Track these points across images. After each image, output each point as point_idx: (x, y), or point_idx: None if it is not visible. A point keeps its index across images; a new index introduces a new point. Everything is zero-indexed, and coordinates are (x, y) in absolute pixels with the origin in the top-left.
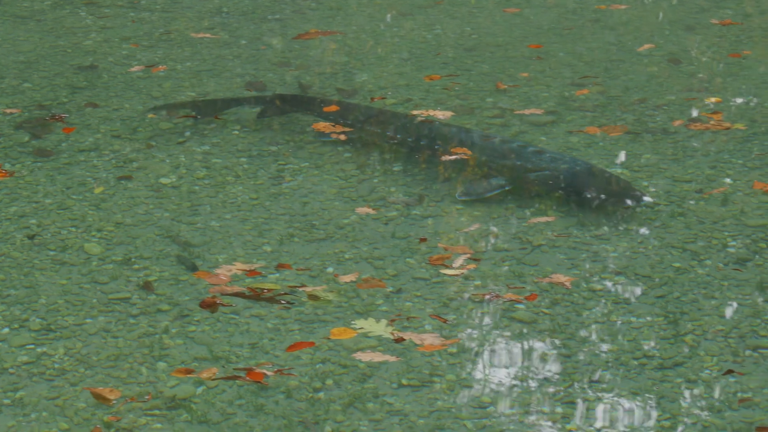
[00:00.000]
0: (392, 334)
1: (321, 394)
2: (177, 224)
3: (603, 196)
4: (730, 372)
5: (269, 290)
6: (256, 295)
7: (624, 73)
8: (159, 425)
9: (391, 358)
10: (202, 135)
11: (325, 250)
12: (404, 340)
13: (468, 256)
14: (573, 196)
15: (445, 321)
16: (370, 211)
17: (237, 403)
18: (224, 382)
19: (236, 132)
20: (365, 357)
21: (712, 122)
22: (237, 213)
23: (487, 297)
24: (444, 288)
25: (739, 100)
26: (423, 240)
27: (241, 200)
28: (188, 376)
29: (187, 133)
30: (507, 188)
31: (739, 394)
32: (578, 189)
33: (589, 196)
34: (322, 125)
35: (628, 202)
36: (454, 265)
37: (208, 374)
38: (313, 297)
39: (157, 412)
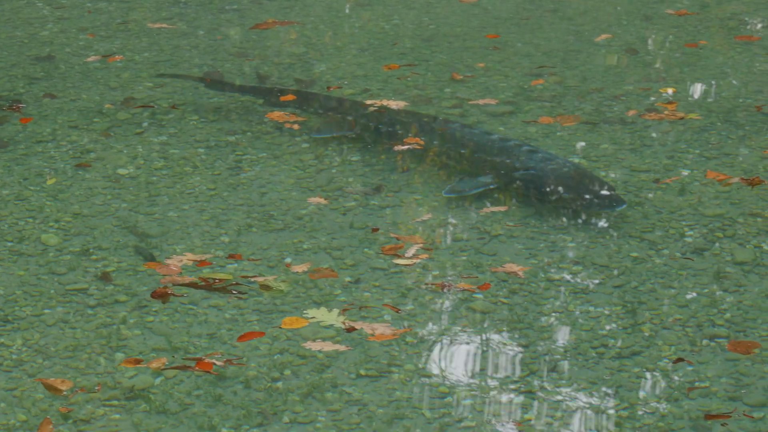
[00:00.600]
0: (344, 323)
1: (279, 384)
2: (135, 215)
3: (586, 202)
4: (680, 360)
5: (221, 280)
6: (208, 286)
7: (581, 63)
8: (117, 416)
9: (341, 348)
10: (159, 125)
11: (283, 240)
12: (356, 329)
13: (420, 246)
14: (556, 199)
15: (398, 311)
16: (322, 201)
17: (195, 394)
18: (183, 373)
19: (194, 122)
20: (315, 346)
21: (667, 112)
22: (195, 203)
23: (442, 286)
24: (402, 278)
25: (696, 90)
26: (375, 230)
27: (198, 191)
28: (138, 366)
29: (145, 124)
30: (492, 186)
31: (696, 383)
32: (564, 191)
33: (573, 200)
34: (277, 114)
35: (607, 207)
36: (406, 255)
37: (157, 364)
38: (265, 287)
39: (115, 402)
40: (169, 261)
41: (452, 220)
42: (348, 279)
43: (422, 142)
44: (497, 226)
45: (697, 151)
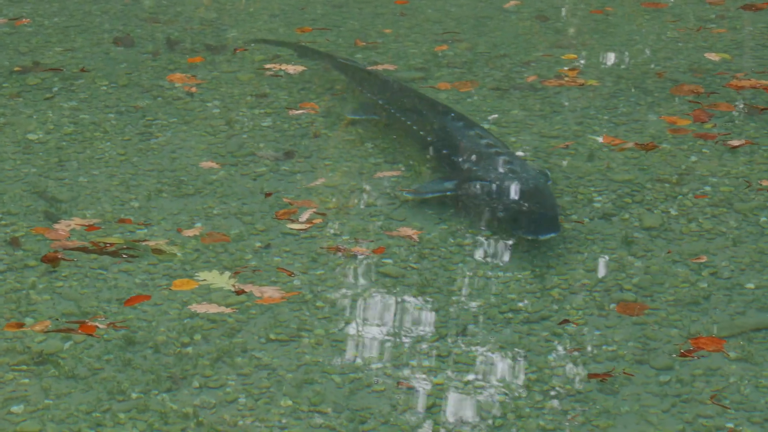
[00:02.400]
0: (233, 286)
1: (189, 349)
2: (44, 180)
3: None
4: (565, 321)
5: (111, 244)
6: (99, 250)
7: (491, 30)
8: (26, 380)
9: (226, 310)
10: (69, 90)
11: (194, 205)
12: (245, 292)
13: (314, 210)
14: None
15: (291, 274)
16: (214, 165)
17: (105, 359)
18: (92, 338)
19: (104, 88)
20: (200, 309)
21: (578, 79)
22: (105, 169)
23: (336, 250)
24: (313, 243)
25: (605, 57)
26: (268, 195)
27: (108, 156)
28: (21, 330)
29: (55, 89)
30: (449, 193)
31: (604, 347)
32: (517, 212)
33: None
34: (178, 76)
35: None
36: (300, 220)
37: (41, 327)
38: (157, 251)
39: (24, 367)
40: (57, 226)
41: (365, 186)
42: (258, 244)
43: (318, 107)
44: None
45: (605, 117)
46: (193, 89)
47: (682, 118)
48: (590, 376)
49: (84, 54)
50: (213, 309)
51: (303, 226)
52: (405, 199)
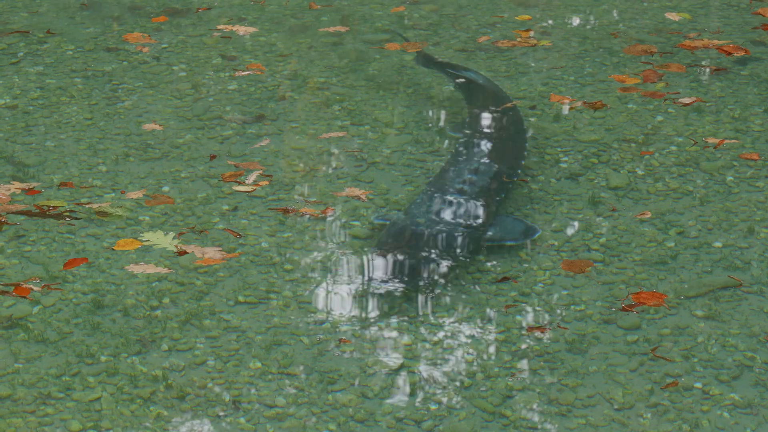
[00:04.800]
0: (176, 247)
1: (158, 312)
2: (11, 145)
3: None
4: (505, 279)
5: (55, 207)
6: (42, 213)
7: None
8: None
9: (163, 270)
10: (35, 55)
11: (161, 169)
12: (187, 253)
13: (260, 172)
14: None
15: (238, 235)
16: (157, 127)
17: (74, 322)
18: (61, 301)
19: (70, 52)
20: (138, 269)
21: (520, 39)
22: (72, 133)
23: (285, 211)
24: (279, 204)
25: (571, 18)
26: (213, 157)
27: (75, 120)
28: None
29: (21, 54)
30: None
31: (572, 307)
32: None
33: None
34: (134, 36)
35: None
36: (247, 182)
37: None
38: (101, 213)
39: None
40: None
41: (333, 150)
42: (226, 207)
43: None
44: (374, 153)
45: (571, 78)
46: (145, 49)
47: (631, 77)
48: (529, 329)
49: (49, 18)
50: (150, 269)
51: (249, 188)
52: (325, 126)
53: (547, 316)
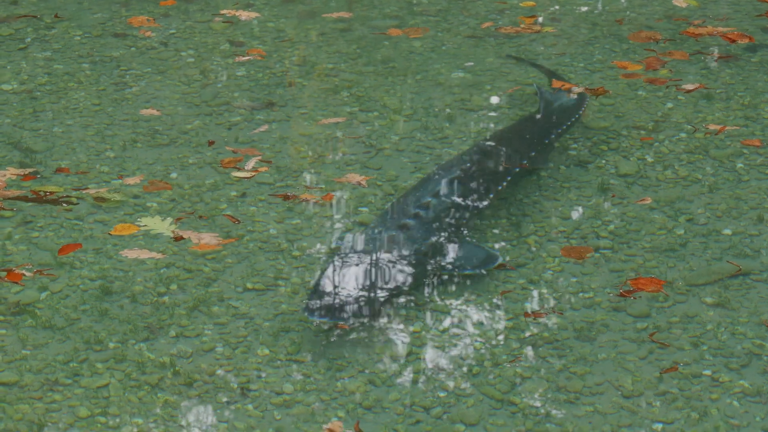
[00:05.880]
0: (173, 232)
1: (166, 299)
2: (19, 131)
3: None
4: (502, 266)
5: (51, 193)
6: (39, 198)
7: None
8: (3, 331)
9: (157, 255)
10: (43, 41)
11: (169, 155)
12: (183, 238)
13: (259, 158)
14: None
15: (237, 221)
16: (155, 112)
17: (81, 309)
18: (69, 287)
19: (78, 38)
20: (131, 254)
21: (524, 26)
22: (79, 119)
23: (285, 197)
24: (285, 189)
25: (581, 5)
26: (211, 143)
27: (83, 106)
28: None
29: (28, 39)
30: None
31: (581, 294)
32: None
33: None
34: (138, 19)
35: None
36: (246, 168)
37: None
38: (99, 199)
39: (1, 318)
40: None
41: (339, 135)
42: (234, 193)
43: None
44: (383, 140)
45: (581, 65)
46: (149, 33)
47: (634, 63)
48: (525, 315)
49: (57, 4)
50: (145, 254)
51: (248, 174)
52: (332, 112)
53: (552, 301)
